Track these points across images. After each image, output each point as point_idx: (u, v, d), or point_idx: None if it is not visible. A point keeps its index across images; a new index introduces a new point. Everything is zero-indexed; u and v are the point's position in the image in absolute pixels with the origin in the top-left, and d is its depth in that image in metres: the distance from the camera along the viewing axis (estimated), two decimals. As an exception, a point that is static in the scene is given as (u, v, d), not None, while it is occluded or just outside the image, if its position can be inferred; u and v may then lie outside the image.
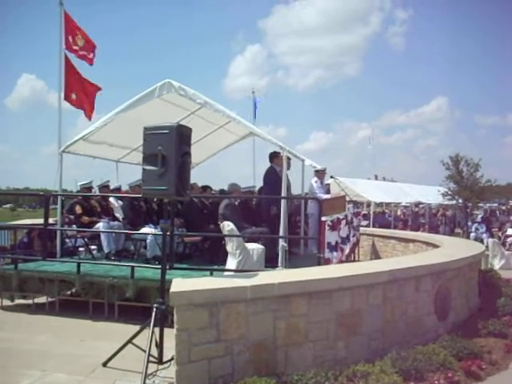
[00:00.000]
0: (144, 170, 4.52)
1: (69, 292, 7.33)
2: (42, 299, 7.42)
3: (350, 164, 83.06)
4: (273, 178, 8.01)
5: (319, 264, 6.37)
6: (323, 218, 6.59)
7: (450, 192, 20.56)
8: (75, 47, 11.94)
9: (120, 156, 10.33)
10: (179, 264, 7.61)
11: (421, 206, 24.69)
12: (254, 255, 6.86)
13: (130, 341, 4.91)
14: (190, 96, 7.87)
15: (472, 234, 19.02)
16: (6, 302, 7.56)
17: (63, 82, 11.53)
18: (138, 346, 4.83)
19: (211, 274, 6.41)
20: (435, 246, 9.33)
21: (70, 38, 11.81)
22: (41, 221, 8.54)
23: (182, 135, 4.53)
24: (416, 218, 23.75)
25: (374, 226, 20.21)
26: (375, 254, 13.53)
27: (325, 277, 4.88)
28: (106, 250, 8.46)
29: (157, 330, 4.61)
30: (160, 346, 4.62)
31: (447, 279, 6.30)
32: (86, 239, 8.74)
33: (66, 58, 11.75)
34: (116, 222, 8.81)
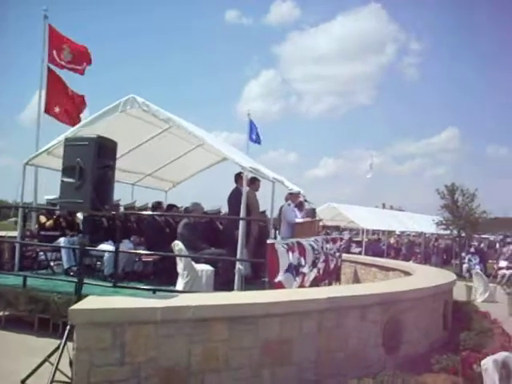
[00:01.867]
0: (62, 182, 4.37)
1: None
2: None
3: (358, 191, 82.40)
4: (238, 199, 7.80)
5: (265, 288, 6.14)
6: (269, 241, 6.37)
7: (444, 222, 20.20)
8: (61, 61, 12.00)
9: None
10: (136, 283, 7.45)
11: (413, 235, 24.39)
12: (203, 277, 6.66)
13: (46, 359, 4.71)
14: (154, 112, 7.78)
15: (465, 266, 18.65)
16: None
17: (43, 95, 11.59)
18: (53, 364, 4.60)
19: (154, 293, 6.20)
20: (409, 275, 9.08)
21: (55, 52, 11.88)
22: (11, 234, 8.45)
23: (102, 148, 4.40)
24: (411, 247, 23.37)
25: (367, 254, 19.87)
26: (356, 282, 13.23)
27: (249, 302, 4.66)
28: (65, 266, 8.30)
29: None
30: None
31: (399, 310, 6.03)
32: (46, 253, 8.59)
33: (50, 70, 11.82)
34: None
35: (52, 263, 8.73)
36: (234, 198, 8.00)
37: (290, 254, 6.77)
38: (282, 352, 4.73)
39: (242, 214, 7.41)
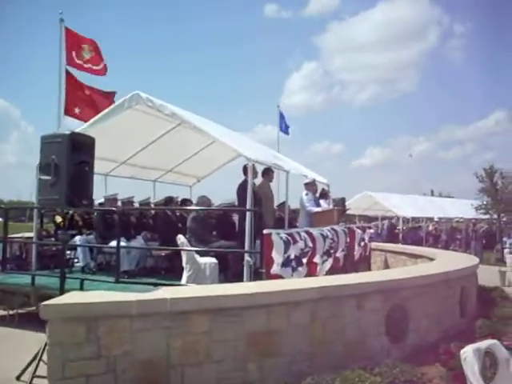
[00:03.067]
0: (39, 179, 4.41)
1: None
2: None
3: (406, 179, 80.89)
4: (245, 191, 7.69)
5: (261, 279, 6.05)
6: (265, 231, 6.25)
7: (483, 206, 19.47)
8: (79, 61, 12.21)
9: (108, 170, 10.34)
10: (148, 278, 7.51)
11: (455, 221, 23.63)
12: (207, 269, 6.62)
13: (37, 356, 4.78)
14: (158, 107, 7.78)
15: (506, 251, 17.91)
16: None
17: (63, 97, 11.84)
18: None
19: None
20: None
21: (74, 53, 12.10)
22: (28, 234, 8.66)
23: (77, 144, 4.40)
24: (452, 233, 22.66)
25: (405, 242, 19.38)
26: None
27: (231, 293, 4.57)
28: (81, 263, 8.43)
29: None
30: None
31: (404, 297, 5.81)
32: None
33: (68, 73, 12.06)
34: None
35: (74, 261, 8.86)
36: (242, 190, 7.89)
37: (291, 245, 6.63)
38: (270, 343, 4.64)
39: (249, 205, 7.29)
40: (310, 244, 7.30)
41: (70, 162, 4.31)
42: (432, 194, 54.17)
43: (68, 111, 11.79)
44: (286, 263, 6.47)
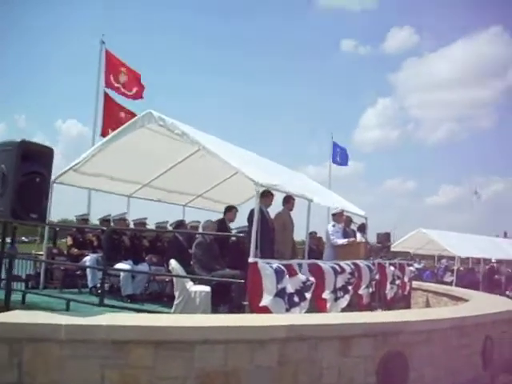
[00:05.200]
0: (-10, 189, 4.18)
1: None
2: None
3: (478, 219, 76.96)
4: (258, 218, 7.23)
5: (244, 312, 5.52)
6: (250, 260, 5.75)
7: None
8: (117, 85, 12.36)
9: (132, 191, 10.19)
10: (149, 304, 7.20)
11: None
12: (197, 298, 6.17)
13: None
14: (169, 126, 7.52)
15: None
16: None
17: (100, 119, 11.97)
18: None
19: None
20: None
21: (112, 76, 12.27)
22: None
23: (28, 153, 4.15)
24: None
25: (461, 283, 18.03)
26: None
27: (181, 325, 4.11)
28: (89, 284, 8.22)
29: None
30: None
31: (403, 343, 5.11)
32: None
33: (106, 95, 12.22)
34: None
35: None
36: (252, 217, 7.44)
37: (286, 276, 6.09)
38: (226, 385, 4.13)
39: (254, 232, 6.79)
40: (312, 278, 6.70)
41: (18, 171, 4.06)
42: (505, 235, 51.11)
43: (104, 134, 11.88)
44: (279, 294, 5.92)
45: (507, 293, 17.43)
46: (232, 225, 8.67)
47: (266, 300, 5.70)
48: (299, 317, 5.37)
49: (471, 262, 22.42)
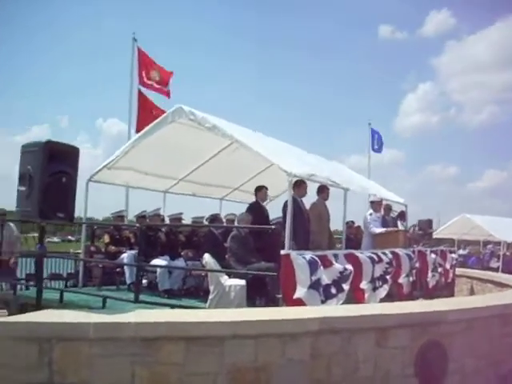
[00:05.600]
0: (18, 190, 4.24)
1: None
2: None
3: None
4: (292, 209, 7.12)
5: (278, 305, 5.44)
6: (283, 252, 5.65)
7: None
8: (149, 82, 12.43)
9: (167, 186, 10.24)
10: (187, 299, 7.23)
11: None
12: (231, 292, 6.13)
13: None
14: (199, 120, 7.50)
15: None
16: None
17: (135, 116, 12.07)
18: None
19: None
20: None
21: (144, 73, 12.34)
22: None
23: (54, 153, 4.18)
24: None
25: (508, 269, 17.43)
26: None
27: (212, 320, 4.06)
28: (128, 281, 8.32)
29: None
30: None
31: (442, 333, 4.93)
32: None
33: (140, 92, 12.30)
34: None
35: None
36: (286, 208, 7.33)
37: (320, 267, 5.97)
38: (258, 380, 4.06)
39: (288, 223, 6.69)
40: (350, 267, 6.56)
41: (44, 172, 4.10)
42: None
43: (139, 130, 11.94)
44: (313, 286, 5.82)
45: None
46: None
47: (300, 292, 5.61)
48: (332, 309, 5.25)
49: (502, 245, 21.75)
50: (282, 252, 5.69)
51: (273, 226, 6.66)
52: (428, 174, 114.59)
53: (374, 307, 5.38)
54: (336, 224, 9.68)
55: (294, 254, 5.77)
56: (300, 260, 5.73)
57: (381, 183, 12.28)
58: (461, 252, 25.18)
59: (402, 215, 11.34)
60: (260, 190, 8.59)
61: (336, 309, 5.29)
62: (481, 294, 11.10)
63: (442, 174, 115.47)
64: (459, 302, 5.90)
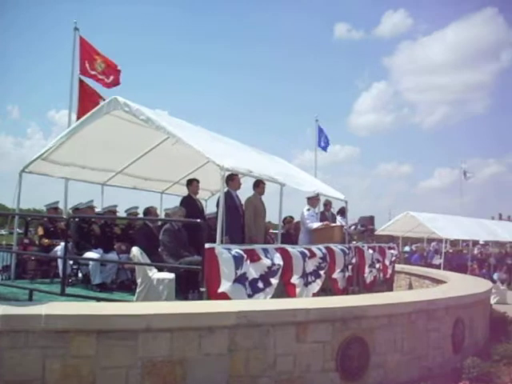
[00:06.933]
0: None
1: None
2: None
3: (474, 202, 76.91)
4: (226, 204, 7.09)
5: (202, 299, 5.42)
6: (207, 245, 5.65)
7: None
8: (93, 72, 12.14)
9: (105, 179, 10.04)
10: (119, 293, 7.11)
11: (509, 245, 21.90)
12: (160, 286, 6.06)
13: None
14: (134, 112, 7.32)
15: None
16: None
17: (76, 106, 11.78)
18: None
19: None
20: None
21: (87, 63, 12.05)
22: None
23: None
24: (502, 258, 20.89)
25: (450, 266, 17.98)
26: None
27: (123, 313, 4.02)
28: (61, 274, 8.10)
29: None
30: None
31: (364, 328, 5.04)
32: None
33: (81, 82, 12.00)
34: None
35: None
36: (222, 202, 7.31)
37: (245, 261, 6.00)
38: (173, 374, 4.06)
39: (220, 217, 6.64)
40: (279, 262, 6.62)
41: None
42: (500, 217, 51.17)
43: (80, 121, 11.69)
44: (239, 280, 5.83)
45: (494, 275, 17.43)
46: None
47: (225, 286, 5.60)
48: (250, 302, 5.29)
49: (461, 244, 22.46)
50: (207, 246, 5.66)
51: (198, 220, 6.57)
52: (381, 171, 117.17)
53: (294, 301, 5.43)
54: (274, 219, 9.72)
55: (218, 248, 5.74)
56: (225, 254, 5.72)
57: (333, 180, 12.44)
58: (406, 249, 25.85)
59: (342, 211, 11.49)
60: (191, 184, 8.47)
61: (254, 303, 5.32)
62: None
63: (395, 172, 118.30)
64: (382, 297, 6.02)
